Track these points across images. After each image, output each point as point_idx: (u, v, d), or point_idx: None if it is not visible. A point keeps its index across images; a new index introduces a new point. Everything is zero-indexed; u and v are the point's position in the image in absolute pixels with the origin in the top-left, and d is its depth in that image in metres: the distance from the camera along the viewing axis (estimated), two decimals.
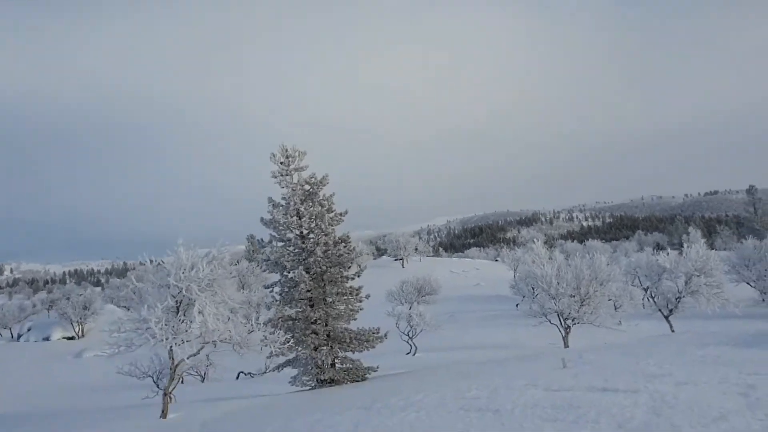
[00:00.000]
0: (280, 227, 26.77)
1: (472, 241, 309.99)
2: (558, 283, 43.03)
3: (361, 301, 27.43)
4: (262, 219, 26.94)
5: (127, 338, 19.22)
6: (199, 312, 19.71)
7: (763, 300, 57.20)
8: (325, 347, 26.13)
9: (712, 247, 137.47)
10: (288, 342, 25.14)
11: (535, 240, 64.59)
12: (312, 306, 26.69)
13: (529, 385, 13.54)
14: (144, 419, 20.62)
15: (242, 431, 14.00)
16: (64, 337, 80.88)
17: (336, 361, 27.08)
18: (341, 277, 26.62)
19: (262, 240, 27.59)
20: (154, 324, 18.76)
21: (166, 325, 19.41)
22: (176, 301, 20.32)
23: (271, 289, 27.42)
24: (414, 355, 42.35)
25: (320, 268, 26.13)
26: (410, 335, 43.15)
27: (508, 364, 20.33)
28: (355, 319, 27.62)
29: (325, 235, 26.73)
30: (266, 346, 24.43)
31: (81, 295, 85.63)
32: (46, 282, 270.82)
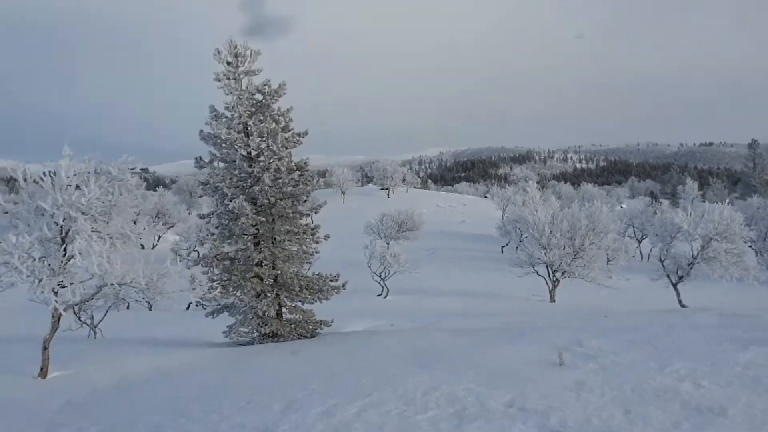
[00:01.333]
0: (223, 144, 21.85)
1: (462, 175, 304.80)
2: (551, 232, 38.71)
3: (318, 242, 22.79)
4: (200, 132, 21.94)
5: None
6: (80, 249, 15.04)
7: (759, 262, 53.14)
8: (269, 294, 21.66)
9: (703, 199, 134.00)
10: (215, 289, 20.66)
11: (527, 179, 59.91)
12: (257, 244, 22.09)
13: (516, 410, 9.04)
14: (25, 374, 16.18)
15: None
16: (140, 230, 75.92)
17: (284, 309, 22.70)
18: (294, 212, 21.89)
19: (200, 158, 22.63)
20: (17, 259, 14.08)
21: (40, 261, 14.79)
22: (62, 232, 15.63)
23: (207, 219, 22.67)
24: (385, 297, 38.28)
25: (268, 199, 21.35)
26: (382, 276, 38.91)
27: (485, 343, 15.88)
28: (309, 263, 23.10)
29: (278, 159, 21.84)
30: (194, 289, 20.09)
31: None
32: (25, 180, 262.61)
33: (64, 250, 15.69)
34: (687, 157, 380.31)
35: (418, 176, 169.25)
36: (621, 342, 14.14)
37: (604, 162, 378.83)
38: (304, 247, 22.55)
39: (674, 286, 24.85)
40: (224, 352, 19.11)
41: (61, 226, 15.70)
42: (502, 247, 65.66)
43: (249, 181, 21.88)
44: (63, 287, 15.37)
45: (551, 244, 38.30)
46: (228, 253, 21.66)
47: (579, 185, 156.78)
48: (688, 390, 9.73)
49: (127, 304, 38.06)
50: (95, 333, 27.48)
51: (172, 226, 75.60)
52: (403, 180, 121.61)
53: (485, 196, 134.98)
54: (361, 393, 10.43)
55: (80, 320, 26.93)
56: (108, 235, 16.20)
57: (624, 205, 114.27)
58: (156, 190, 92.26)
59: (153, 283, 17.28)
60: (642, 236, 66.52)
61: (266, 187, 21.12)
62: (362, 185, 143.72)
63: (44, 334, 16.78)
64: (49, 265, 15.36)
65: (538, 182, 79.98)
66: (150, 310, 39.58)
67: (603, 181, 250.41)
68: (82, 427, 10.16)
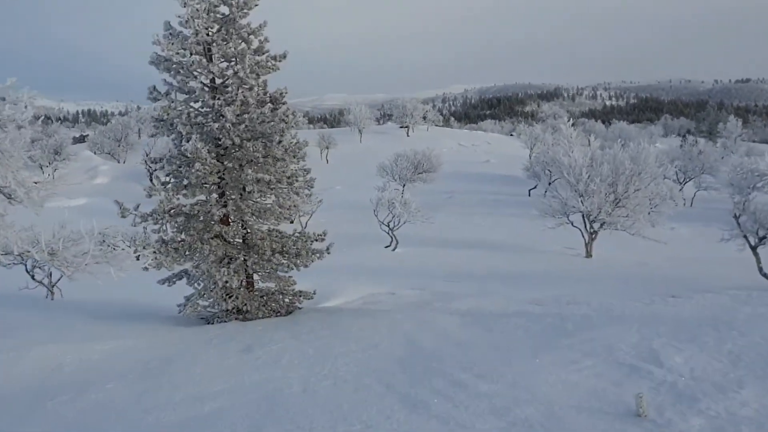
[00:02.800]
0: (179, 70, 16.95)
1: (488, 112, 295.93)
2: (589, 177, 33.56)
3: (298, 194, 18.01)
4: (152, 55, 17.00)
5: None
6: None
7: None
8: (237, 258, 17.10)
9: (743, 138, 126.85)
10: (157, 255, 16.11)
11: (556, 116, 54.32)
12: (222, 195, 17.42)
13: None
14: None
15: None
16: (33, 182, 71.82)
17: (256, 277, 18.18)
18: (265, 156, 17.03)
19: (155, 88, 17.71)
20: None
21: None
22: None
23: (159, 164, 17.86)
24: (394, 250, 33.65)
25: (231, 139, 16.52)
26: (391, 226, 34.20)
27: (511, 348, 11.16)
28: (289, 220, 18.44)
29: (248, 88, 16.94)
30: (135, 252, 15.72)
31: (50, 137, 75.83)
32: (59, 119, 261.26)
33: None
34: (722, 94, 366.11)
35: (441, 114, 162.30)
36: (721, 357, 9.33)
37: (635, 99, 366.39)
38: (281, 199, 17.85)
39: (753, 249, 19.91)
40: (160, 340, 14.61)
41: None
42: (530, 190, 60.39)
43: (211, 116, 17.07)
44: None
45: (589, 191, 33.24)
46: (183, 207, 16.98)
47: (609, 123, 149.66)
48: None
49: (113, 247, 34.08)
50: (52, 294, 23.45)
51: None
52: (424, 118, 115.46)
53: (511, 135, 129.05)
54: None
55: (34, 279, 23.01)
56: None
57: (658, 144, 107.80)
58: None
59: (58, 252, 12.81)
60: (684, 179, 60.98)
61: (228, 125, 16.30)
62: (381, 123, 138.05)
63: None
64: None
65: (567, 120, 74.09)
66: (137, 259, 35.39)
67: (634, 119, 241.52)
68: None
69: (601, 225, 33.58)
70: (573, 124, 40.12)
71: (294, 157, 17.81)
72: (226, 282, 16.47)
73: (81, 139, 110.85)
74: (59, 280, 23.81)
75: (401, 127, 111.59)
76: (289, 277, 18.15)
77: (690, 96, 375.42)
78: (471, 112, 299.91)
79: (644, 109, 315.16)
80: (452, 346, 11.67)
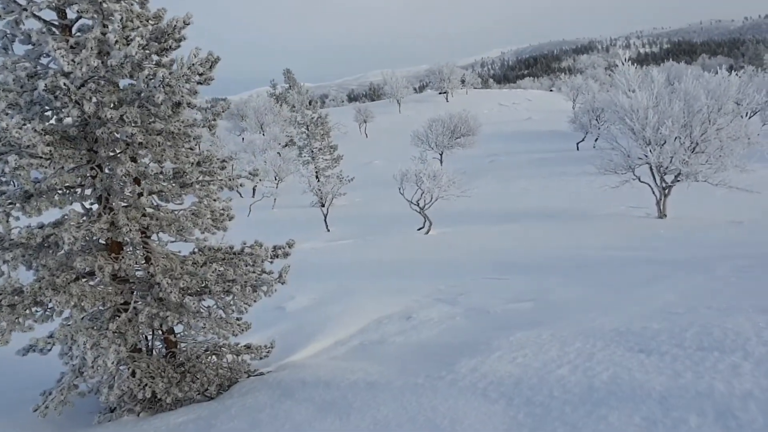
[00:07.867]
0: None
1: (525, 72, 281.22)
2: (658, 120, 24.72)
3: (233, 188, 10.08)
4: None
5: None
6: None
7: None
8: (126, 312, 9.40)
9: None
10: None
11: (596, 66, 44.70)
12: (101, 200, 9.66)
13: None
14: None
15: None
16: None
17: (180, 328, 10.43)
18: (158, 133, 9.15)
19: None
20: None
21: None
22: None
23: None
24: (427, 233, 25.53)
25: (80, 107, 8.66)
26: (421, 205, 25.96)
27: None
28: (221, 230, 10.50)
29: (108, 18, 9.03)
30: None
31: None
32: None
33: None
34: (753, 31, 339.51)
35: (479, 77, 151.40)
36: None
37: (668, 44, 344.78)
38: (205, 201, 9.97)
39: None
40: None
41: None
42: (578, 143, 51.09)
43: (53, 74, 9.19)
44: None
45: (659, 137, 24.37)
46: (22, 232, 9.23)
47: (659, 65, 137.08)
48: None
49: None
50: None
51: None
52: (462, 81, 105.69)
53: (551, 90, 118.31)
54: None
55: None
56: None
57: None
58: None
59: None
60: (749, 112, 50.90)
61: (63, 82, 8.40)
62: (419, 92, 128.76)
63: None
64: None
65: (606, 68, 64.06)
66: None
67: None
68: None
69: (676, 177, 24.76)
70: (611, 75, 31.06)
71: (212, 125, 9.82)
72: (97, 358, 8.73)
73: None
74: None
75: (440, 93, 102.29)
76: (237, 320, 10.24)
77: (722, 35, 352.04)
78: (509, 74, 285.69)
79: (678, 52, 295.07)
80: None
